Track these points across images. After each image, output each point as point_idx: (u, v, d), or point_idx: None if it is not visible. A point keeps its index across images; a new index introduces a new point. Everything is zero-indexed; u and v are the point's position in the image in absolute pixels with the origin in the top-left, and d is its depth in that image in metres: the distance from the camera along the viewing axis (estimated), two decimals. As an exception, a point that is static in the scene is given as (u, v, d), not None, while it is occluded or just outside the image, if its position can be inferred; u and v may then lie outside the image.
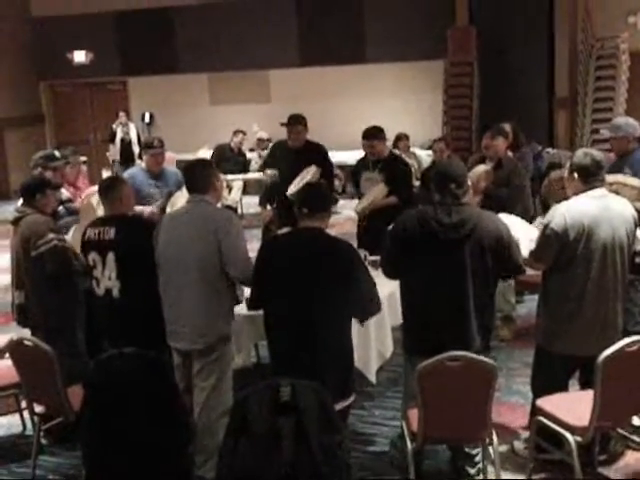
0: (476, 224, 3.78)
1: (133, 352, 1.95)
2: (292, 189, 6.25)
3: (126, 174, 6.22)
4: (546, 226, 3.98)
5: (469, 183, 3.99)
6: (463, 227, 3.76)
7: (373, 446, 4.62)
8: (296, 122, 6.54)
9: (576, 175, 4.03)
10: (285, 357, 3.71)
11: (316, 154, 6.57)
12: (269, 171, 6.78)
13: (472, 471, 4.11)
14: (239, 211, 11.80)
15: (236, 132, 12.08)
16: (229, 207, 10.12)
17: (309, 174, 6.26)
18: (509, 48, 12.16)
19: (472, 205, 4.08)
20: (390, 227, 4.01)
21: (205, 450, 3.97)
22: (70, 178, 6.27)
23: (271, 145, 7.82)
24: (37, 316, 4.82)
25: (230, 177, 11.24)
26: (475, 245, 3.76)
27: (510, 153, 6.98)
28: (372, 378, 4.70)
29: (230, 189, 11.64)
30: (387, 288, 4.51)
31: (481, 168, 6.24)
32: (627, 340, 3.69)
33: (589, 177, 3.99)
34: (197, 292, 4.01)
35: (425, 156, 10.66)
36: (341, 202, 10.18)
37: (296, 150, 6.56)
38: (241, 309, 4.30)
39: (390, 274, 4.12)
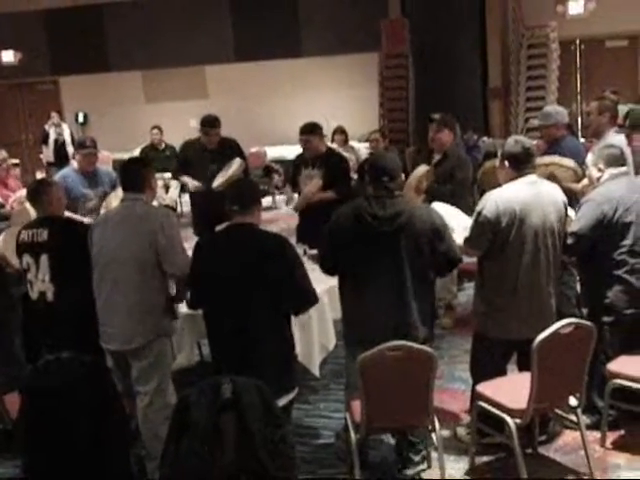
0: (411, 215, 3.82)
1: (70, 357, 1.92)
2: (218, 181, 6.20)
3: (58, 175, 6.10)
4: (479, 213, 4.05)
5: (402, 178, 4.02)
6: (398, 219, 3.80)
7: (318, 439, 4.64)
8: (214, 125, 6.42)
9: (507, 163, 4.11)
10: (225, 354, 3.71)
11: (231, 150, 6.47)
12: (195, 183, 6.50)
13: (416, 458, 4.16)
14: (178, 209, 11.68)
15: (152, 129, 11.94)
16: (168, 207, 9.97)
17: (233, 166, 6.22)
18: (442, 39, 12.24)
19: (406, 196, 4.11)
20: (327, 224, 4.01)
21: (155, 455, 3.92)
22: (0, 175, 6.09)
23: (181, 146, 7.28)
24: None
25: (167, 175, 11.09)
26: (411, 236, 3.80)
27: None
28: (316, 371, 4.71)
29: (167, 188, 11.49)
30: (327, 281, 4.53)
31: (422, 169, 6.24)
32: (561, 322, 3.78)
33: (520, 164, 4.07)
34: (129, 291, 3.97)
35: (363, 149, 10.72)
36: (280, 197, 10.15)
37: (211, 149, 6.44)
38: (182, 307, 4.27)
39: (328, 270, 4.13)
